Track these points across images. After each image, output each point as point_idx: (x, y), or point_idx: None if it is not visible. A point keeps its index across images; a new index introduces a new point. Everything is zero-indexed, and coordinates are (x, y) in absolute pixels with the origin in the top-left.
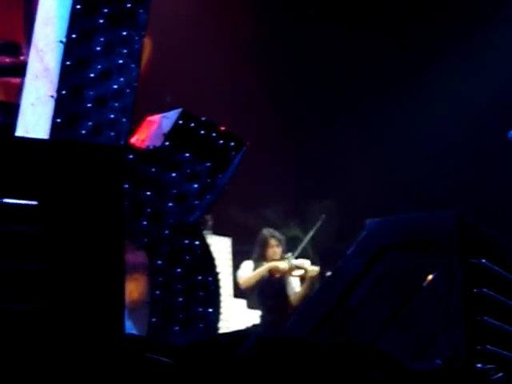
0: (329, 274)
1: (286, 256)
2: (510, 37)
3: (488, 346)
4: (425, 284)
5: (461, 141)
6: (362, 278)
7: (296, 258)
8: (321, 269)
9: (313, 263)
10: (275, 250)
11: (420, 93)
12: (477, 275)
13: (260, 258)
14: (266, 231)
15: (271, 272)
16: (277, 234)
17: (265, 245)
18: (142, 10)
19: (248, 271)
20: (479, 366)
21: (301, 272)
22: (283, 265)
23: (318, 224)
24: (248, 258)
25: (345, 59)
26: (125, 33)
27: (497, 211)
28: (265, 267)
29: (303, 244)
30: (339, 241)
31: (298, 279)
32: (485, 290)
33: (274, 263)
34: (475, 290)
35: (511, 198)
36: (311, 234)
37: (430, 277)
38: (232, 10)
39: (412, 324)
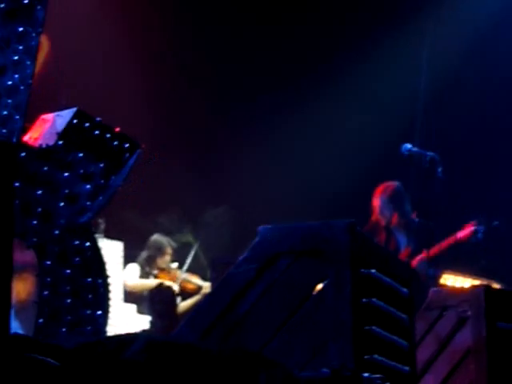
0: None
1: (173, 267)
2: (410, 50)
3: (375, 356)
4: (315, 293)
5: (357, 152)
6: (252, 284)
7: (186, 271)
8: (212, 276)
9: (205, 272)
10: (168, 258)
11: (317, 103)
12: (366, 285)
13: (150, 263)
14: (163, 238)
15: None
16: (172, 242)
17: (161, 251)
18: (39, 7)
19: (134, 276)
20: (366, 375)
21: (191, 286)
22: (173, 279)
23: (194, 250)
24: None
25: (245, 63)
26: (21, 29)
27: None
28: (155, 282)
29: (188, 262)
30: (232, 249)
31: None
32: (374, 300)
33: (163, 279)
34: (364, 300)
35: None
36: (188, 261)
37: (321, 285)
38: (132, 10)
39: (301, 332)
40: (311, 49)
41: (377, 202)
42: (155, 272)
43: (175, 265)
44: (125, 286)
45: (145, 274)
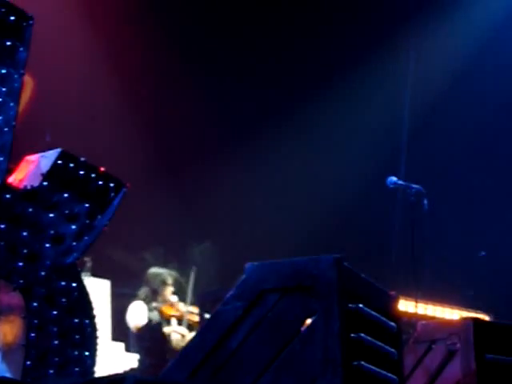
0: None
1: (174, 300)
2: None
3: None
4: (303, 329)
5: (340, 187)
6: (240, 321)
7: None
8: (200, 313)
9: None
10: (171, 289)
11: (298, 136)
12: (354, 320)
13: (156, 297)
14: (163, 270)
15: (164, 315)
16: (172, 272)
17: (165, 283)
18: (22, 48)
19: (143, 315)
20: None
21: (196, 318)
22: (179, 312)
23: (192, 276)
24: (129, 300)
25: (225, 101)
26: (4, 71)
27: (376, 256)
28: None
29: (189, 293)
30: (219, 284)
31: (176, 323)
32: (362, 334)
33: (168, 313)
34: (353, 335)
35: (390, 243)
36: (190, 286)
37: (309, 321)
38: (116, 51)
39: (290, 368)
40: (296, 74)
41: None
42: (159, 305)
43: (175, 297)
44: (134, 328)
45: (150, 310)
